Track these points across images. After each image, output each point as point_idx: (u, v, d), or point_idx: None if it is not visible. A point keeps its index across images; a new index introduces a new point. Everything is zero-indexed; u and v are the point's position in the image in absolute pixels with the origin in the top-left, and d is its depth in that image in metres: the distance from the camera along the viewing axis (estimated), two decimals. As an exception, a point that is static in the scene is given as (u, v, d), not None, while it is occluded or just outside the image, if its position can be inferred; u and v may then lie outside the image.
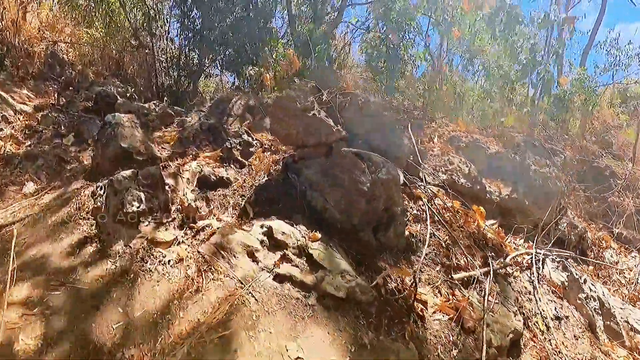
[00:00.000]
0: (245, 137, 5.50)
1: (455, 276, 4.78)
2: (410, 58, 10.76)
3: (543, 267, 6.09)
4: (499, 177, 7.92)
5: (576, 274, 5.83)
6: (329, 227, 4.53)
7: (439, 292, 4.57)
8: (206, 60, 12.10)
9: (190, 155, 5.52)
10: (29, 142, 6.58)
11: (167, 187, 4.29)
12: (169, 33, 11.91)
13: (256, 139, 5.71)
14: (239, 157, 5.33)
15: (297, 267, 3.77)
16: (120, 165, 5.07)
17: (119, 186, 3.86)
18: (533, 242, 6.60)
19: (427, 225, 5.33)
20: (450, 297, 4.51)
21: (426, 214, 5.37)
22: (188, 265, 3.57)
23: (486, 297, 4.57)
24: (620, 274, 7.79)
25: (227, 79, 13.83)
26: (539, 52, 8.48)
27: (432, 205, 5.66)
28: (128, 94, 9.74)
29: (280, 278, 3.64)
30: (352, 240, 4.59)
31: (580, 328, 5.27)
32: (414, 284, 4.10)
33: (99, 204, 4.03)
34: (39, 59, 10.40)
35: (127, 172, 4.01)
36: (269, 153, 5.61)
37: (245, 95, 8.77)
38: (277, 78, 9.21)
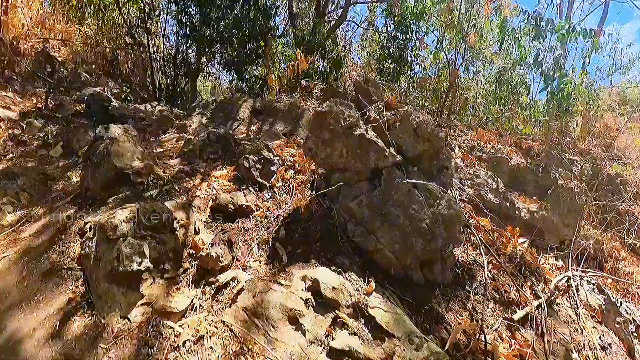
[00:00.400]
0: (265, 153, 4.31)
1: (515, 317, 3.87)
2: (418, 59, 9.61)
3: (579, 290, 5.26)
4: (523, 191, 6.91)
5: (612, 297, 5.08)
6: (379, 270, 3.50)
7: (500, 336, 3.67)
8: (204, 59, 10.81)
9: (199, 174, 4.34)
10: (11, 155, 5.32)
11: (176, 223, 3.10)
12: (165, 30, 10.59)
13: (277, 154, 4.53)
14: (259, 178, 4.15)
15: (356, 334, 2.65)
16: (114, 188, 3.90)
17: (114, 234, 2.66)
18: (566, 262, 5.82)
19: (480, 256, 4.37)
20: (512, 341, 3.65)
21: (479, 245, 4.33)
22: (211, 347, 2.40)
23: (545, 338, 3.78)
24: (638, 287, 6.95)
25: (225, 78, 12.58)
26: (560, 63, 7.46)
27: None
28: (123, 95, 8.45)
29: (337, 355, 2.50)
30: (402, 282, 3.58)
31: (623, 355, 4.55)
32: (481, 337, 3.24)
33: (87, 249, 2.83)
34: (28, 58, 9.09)
35: (125, 213, 2.81)
36: (292, 172, 4.44)
37: (251, 98, 7.56)
38: (282, 79, 7.99)
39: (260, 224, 3.66)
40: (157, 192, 3.83)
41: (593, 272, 5.88)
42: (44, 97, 7.19)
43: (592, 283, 5.47)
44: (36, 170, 4.92)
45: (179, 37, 10.44)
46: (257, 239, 3.42)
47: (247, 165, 4.14)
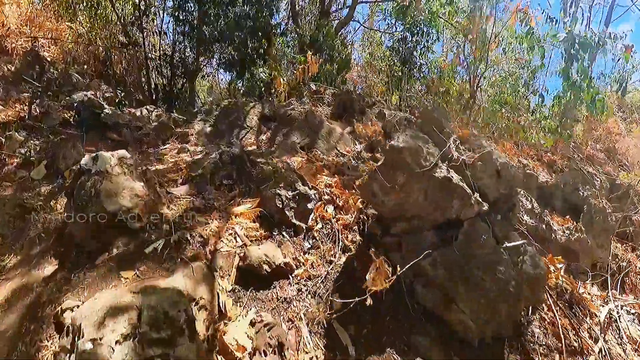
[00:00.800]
0: (300, 186, 3.17)
1: (590, 374, 3.14)
2: (427, 62, 8.47)
3: (621, 322, 4.49)
4: (552, 209, 5.96)
5: (655, 328, 4.36)
6: (455, 340, 2.62)
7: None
8: (203, 58, 9.51)
9: (215, 211, 3.22)
10: (-17, 180, 4.14)
11: (195, 308, 1.98)
12: (161, 28, 9.26)
13: (313, 186, 3.39)
14: (294, 219, 3.04)
15: None
16: (105, 235, 2.75)
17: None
18: (598, 286, 4.98)
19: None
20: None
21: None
22: None
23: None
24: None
25: (223, 78, 11.29)
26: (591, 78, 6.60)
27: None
28: (116, 100, 7.19)
29: None
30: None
31: (665, 394, 3.85)
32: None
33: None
34: (16, 58, 7.83)
35: (119, 327, 1.68)
36: (332, 208, 3.33)
37: (259, 103, 6.39)
38: (290, 82, 6.84)
39: (305, 288, 2.57)
40: (163, 243, 2.70)
41: (634, 301, 5.09)
42: (27, 105, 5.90)
43: (632, 313, 4.75)
44: (13, 201, 3.78)
45: (176, 35, 9.14)
46: (306, 316, 2.32)
47: (280, 205, 3.03)
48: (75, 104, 6.06)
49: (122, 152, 3.12)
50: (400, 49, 8.21)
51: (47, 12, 9.17)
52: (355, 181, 3.71)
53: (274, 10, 8.79)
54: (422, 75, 8.34)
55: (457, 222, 2.89)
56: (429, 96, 8.32)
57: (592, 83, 6.49)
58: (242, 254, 2.63)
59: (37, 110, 5.94)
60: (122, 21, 9.06)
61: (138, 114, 6.93)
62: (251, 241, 2.83)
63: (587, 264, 5.58)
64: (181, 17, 8.62)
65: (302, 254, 2.87)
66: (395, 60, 8.41)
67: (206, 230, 2.88)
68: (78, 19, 9.37)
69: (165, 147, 5.84)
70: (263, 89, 7.46)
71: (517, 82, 8.98)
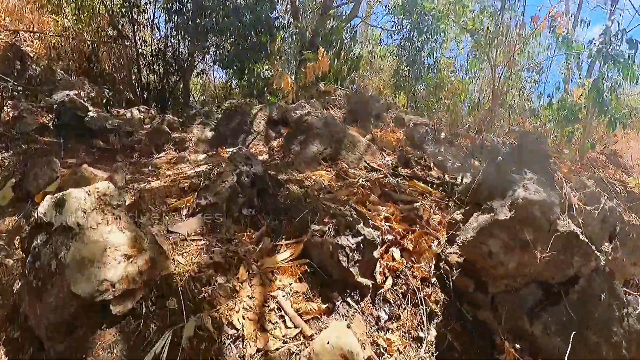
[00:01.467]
0: (363, 229, 1.98)
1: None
2: (436, 63, 7.37)
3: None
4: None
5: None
6: None
7: None
8: (198, 54, 8.20)
9: (242, 264, 2.06)
10: None
11: None
12: (153, 20, 7.93)
13: (374, 224, 2.21)
14: (358, 277, 1.91)
15: None
16: (74, 335, 1.60)
17: None
18: None
19: None
20: None
21: None
22: None
23: None
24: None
25: (218, 75, 9.96)
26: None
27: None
28: (104, 100, 5.89)
29: None
30: None
31: None
32: None
33: None
34: (-5, 53, 6.50)
35: None
36: (398, 253, 2.21)
37: (265, 105, 5.22)
38: (299, 81, 5.66)
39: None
40: (169, 342, 1.55)
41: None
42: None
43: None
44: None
45: (169, 29, 7.80)
46: None
47: (345, 262, 1.90)
48: (55, 106, 4.79)
49: (104, 185, 1.94)
50: (407, 48, 7.10)
51: (30, 3, 7.76)
52: (417, 212, 2.62)
53: (276, 3, 7.53)
54: (430, 76, 7.24)
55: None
56: (437, 98, 7.26)
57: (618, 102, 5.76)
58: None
59: (10, 115, 4.64)
60: (110, 13, 7.71)
61: (128, 115, 5.68)
62: (306, 320, 1.71)
63: (619, 281, 4.77)
64: (174, 8, 7.28)
65: (378, 331, 1.78)
66: (402, 60, 7.31)
67: (237, 308, 1.73)
68: (63, 11, 8.04)
69: (160, 155, 4.64)
70: (265, 89, 6.26)
71: (522, 84, 8.07)
